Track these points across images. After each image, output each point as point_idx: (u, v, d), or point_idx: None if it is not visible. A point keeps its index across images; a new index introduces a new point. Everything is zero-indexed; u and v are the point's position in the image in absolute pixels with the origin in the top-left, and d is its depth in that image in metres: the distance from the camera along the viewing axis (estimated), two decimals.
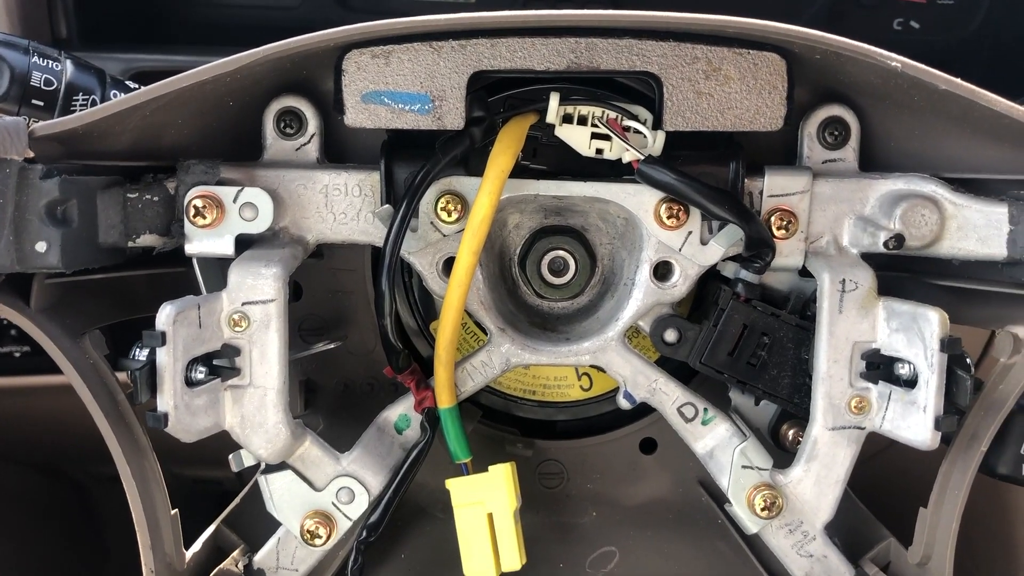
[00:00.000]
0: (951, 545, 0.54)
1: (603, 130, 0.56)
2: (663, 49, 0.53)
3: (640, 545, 0.65)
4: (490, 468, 0.57)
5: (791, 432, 0.61)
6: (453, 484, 0.58)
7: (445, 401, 0.57)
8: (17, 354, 0.87)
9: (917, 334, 0.52)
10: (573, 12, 0.50)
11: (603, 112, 0.56)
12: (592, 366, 0.59)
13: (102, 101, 0.59)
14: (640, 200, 0.56)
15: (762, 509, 0.56)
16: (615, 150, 0.56)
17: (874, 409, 0.54)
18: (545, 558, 0.63)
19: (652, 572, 0.62)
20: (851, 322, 0.54)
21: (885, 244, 0.55)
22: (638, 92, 0.56)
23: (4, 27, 0.77)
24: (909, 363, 0.52)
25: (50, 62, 0.57)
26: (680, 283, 0.57)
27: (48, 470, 1.17)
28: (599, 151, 0.57)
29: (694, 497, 0.68)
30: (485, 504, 0.57)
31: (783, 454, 0.59)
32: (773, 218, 0.56)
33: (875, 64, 0.50)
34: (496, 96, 0.57)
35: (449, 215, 0.56)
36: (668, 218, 0.56)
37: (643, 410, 0.66)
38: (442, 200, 0.56)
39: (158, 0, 0.92)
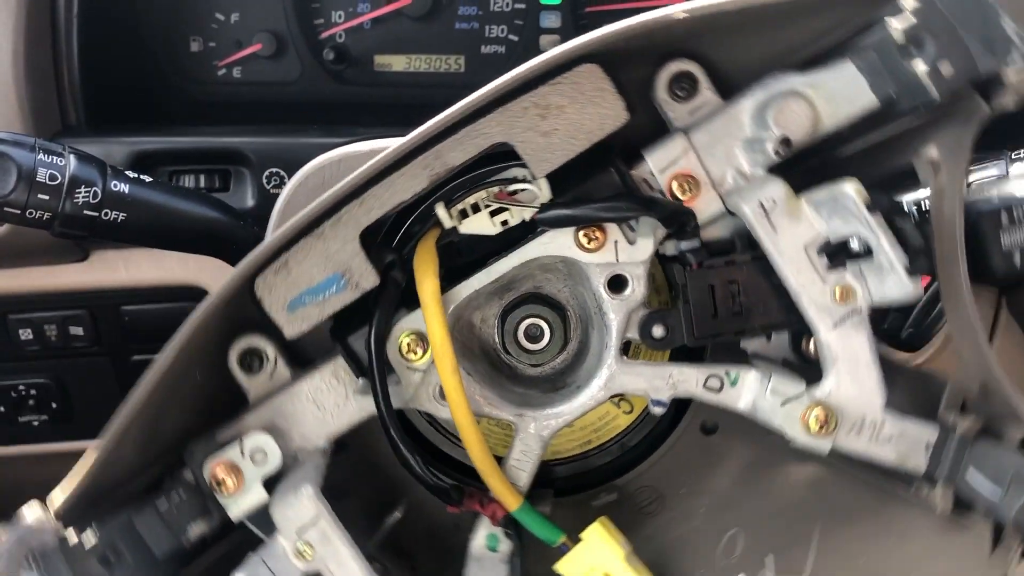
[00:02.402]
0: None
1: (497, 206, 0.60)
2: (495, 119, 0.56)
3: (752, 517, 0.67)
4: (582, 535, 0.60)
5: (811, 344, 0.63)
6: (562, 566, 0.60)
7: (512, 504, 0.60)
8: (36, 423, 0.91)
9: (845, 209, 0.54)
10: (396, 146, 0.54)
11: (487, 193, 0.60)
12: (610, 398, 0.62)
13: (103, 191, 0.63)
14: (558, 243, 0.59)
15: (820, 428, 0.57)
16: (516, 215, 0.60)
17: (858, 290, 0.56)
18: (680, 572, 0.65)
19: (776, 538, 0.63)
20: (790, 232, 0.56)
21: (776, 153, 0.57)
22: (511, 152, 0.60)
23: (17, 117, 0.82)
24: (856, 236, 0.54)
25: (54, 158, 0.62)
26: (636, 287, 0.60)
27: None
28: (504, 223, 0.60)
29: None
30: (598, 567, 0.60)
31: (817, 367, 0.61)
32: (675, 187, 0.59)
33: (669, 24, 0.53)
34: (398, 232, 0.61)
35: (416, 354, 0.60)
36: (589, 243, 0.59)
37: (685, 402, 0.68)
38: (403, 344, 0.60)
39: (162, 83, 0.99)
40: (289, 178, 0.73)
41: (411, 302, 0.60)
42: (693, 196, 0.59)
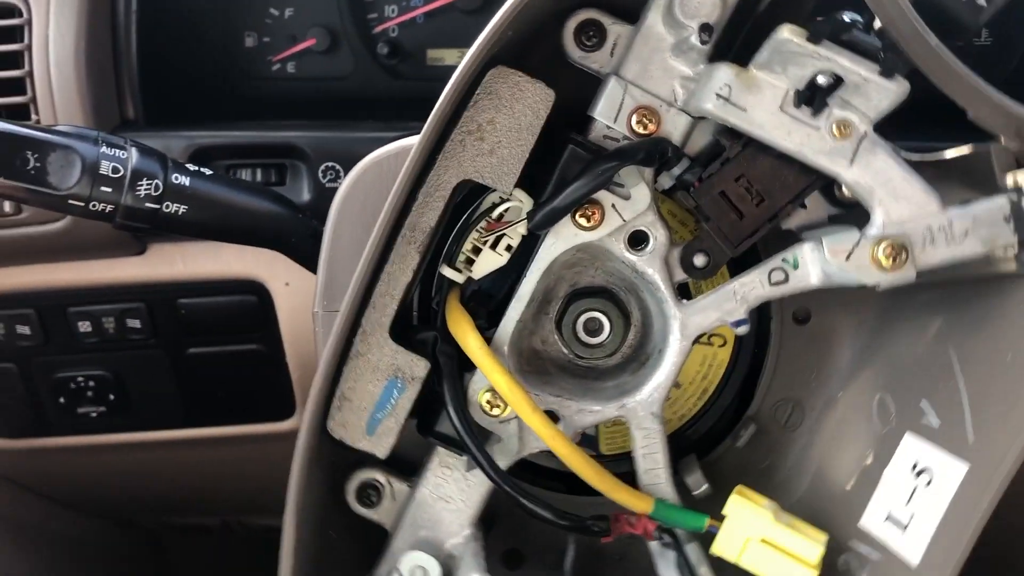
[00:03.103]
0: None
1: (492, 237, 0.60)
2: (441, 166, 0.57)
3: (888, 374, 0.64)
4: (725, 510, 0.57)
5: (844, 189, 0.60)
6: (716, 548, 0.58)
7: (646, 508, 0.59)
8: (94, 414, 0.92)
9: (793, 54, 0.52)
10: (369, 246, 0.55)
11: (477, 232, 0.60)
12: (694, 343, 0.61)
13: (164, 184, 0.64)
14: (563, 237, 0.59)
15: (894, 261, 0.55)
16: (515, 235, 0.60)
17: (852, 119, 0.54)
18: (852, 462, 0.62)
19: (920, 382, 0.60)
20: (758, 106, 0.54)
21: (703, 42, 0.56)
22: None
23: (78, 112, 0.83)
24: (819, 73, 0.53)
25: (117, 151, 0.63)
26: (655, 234, 0.59)
27: (123, 521, 1.21)
28: (509, 248, 0.60)
29: None
30: (753, 536, 0.57)
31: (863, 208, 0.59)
32: (636, 126, 0.58)
33: None
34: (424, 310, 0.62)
35: (500, 407, 0.60)
36: (589, 221, 0.58)
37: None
38: (483, 404, 0.60)
39: (217, 78, 1.00)
40: (345, 172, 0.72)
41: (472, 364, 0.61)
42: (657, 125, 0.58)
